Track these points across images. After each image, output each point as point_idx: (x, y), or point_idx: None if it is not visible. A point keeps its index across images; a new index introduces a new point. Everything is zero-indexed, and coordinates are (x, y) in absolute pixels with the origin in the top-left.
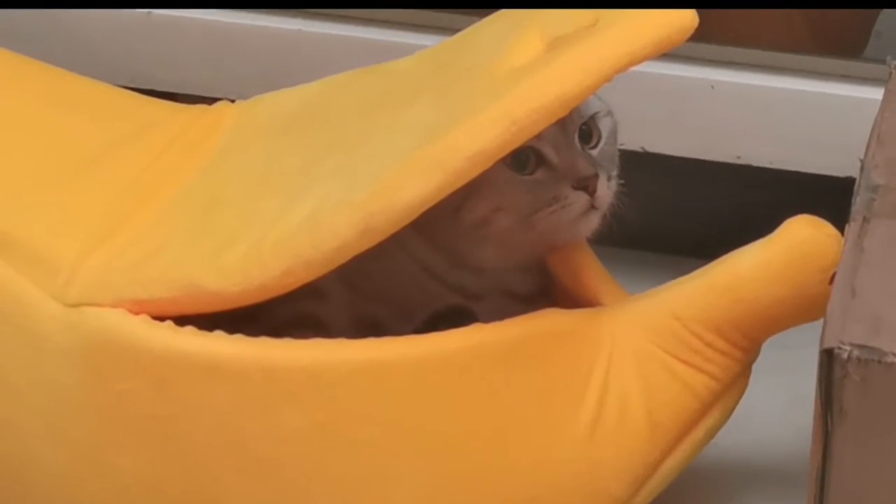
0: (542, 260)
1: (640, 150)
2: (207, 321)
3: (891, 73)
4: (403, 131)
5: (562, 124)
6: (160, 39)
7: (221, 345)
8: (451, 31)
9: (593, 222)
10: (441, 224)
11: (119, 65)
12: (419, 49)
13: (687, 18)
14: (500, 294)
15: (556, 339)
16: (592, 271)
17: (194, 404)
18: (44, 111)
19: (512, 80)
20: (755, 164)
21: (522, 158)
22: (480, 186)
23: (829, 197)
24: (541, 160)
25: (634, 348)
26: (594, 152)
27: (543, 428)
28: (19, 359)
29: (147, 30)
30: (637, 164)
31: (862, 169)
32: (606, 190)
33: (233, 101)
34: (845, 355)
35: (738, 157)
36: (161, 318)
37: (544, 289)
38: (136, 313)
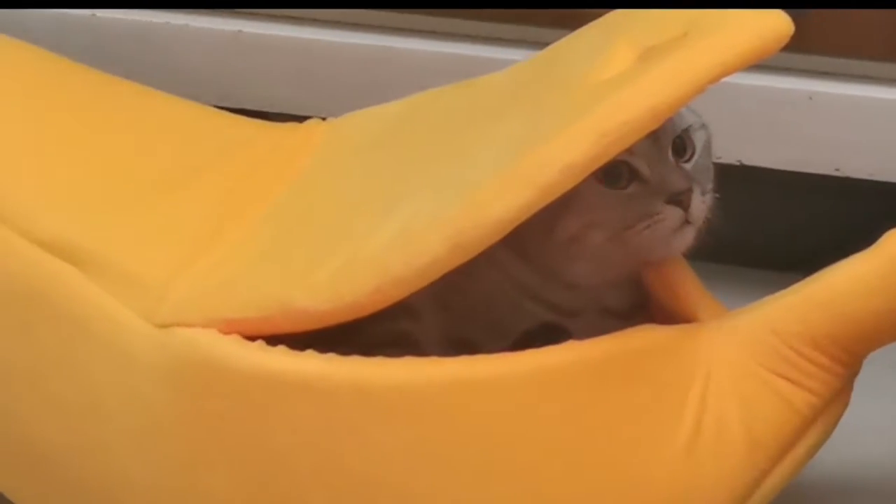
0: (636, 275)
1: (737, 163)
2: (298, 341)
3: None
4: (494, 146)
5: (654, 138)
6: (250, 58)
7: (313, 364)
8: (540, 45)
9: (688, 237)
10: (533, 240)
11: (209, 84)
12: (507, 64)
13: (782, 25)
14: (595, 311)
15: (653, 355)
16: (689, 286)
17: (285, 423)
18: (134, 130)
19: (602, 92)
20: (854, 175)
21: (615, 173)
22: (572, 202)
23: None
24: (633, 175)
25: (732, 364)
26: (688, 166)
27: (640, 446)
28: (110, 379)
29: (237, 49)
30: (734, 178)
31: None
32: (701, 204)
33: (323, 118)
34: None
35: (837, 170)
36: (252, 338)
37: (640, 305)
38: (227, 333)
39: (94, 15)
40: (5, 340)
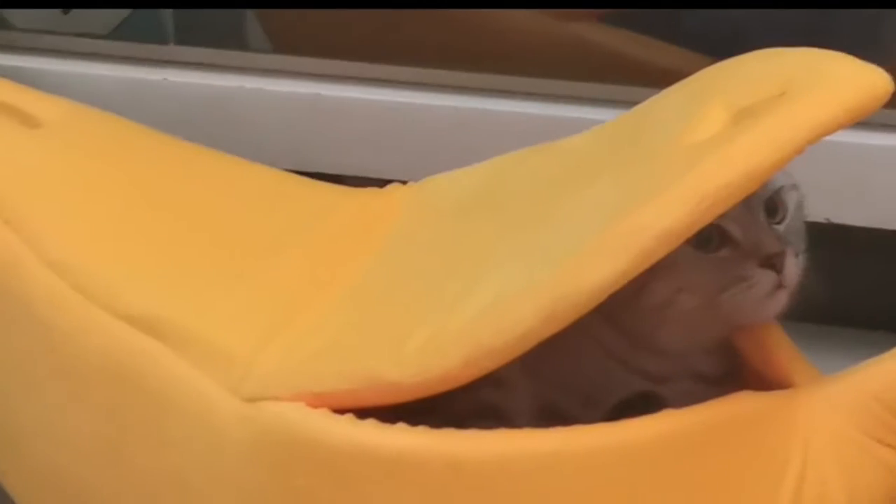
0: (728, 340)
1: (825, 221)
2: (386, 413)
3: None
4: (585, 211)
5: (746, 200)
6: (326, 123)
7: (404, 437)
8: (623, 104)
9: (781, 301)
10: (623, 306)
11: (285, 149)
12: (588, 123)
13: (880, 84)
14: (688, 377)
15: (750, 424)
16: (782, 350)
17: (378, 500)
18: (216, 200)
19: (699, 154)
20: None
21: (706, 236)
22: (662, 267)
23: None
24: (725, 238)
25: (832, 431)
26: (780, 228)
27: None
28: (197, 456)
29: (312, 113)
30: (822, 236)
31: None
32: (794, 267)
33: (404, 182)
34: None
35: None
36: (340, 411)
37: (733, 370)
38: (315, 407)
39: (165, 79)
40: (91, 417)
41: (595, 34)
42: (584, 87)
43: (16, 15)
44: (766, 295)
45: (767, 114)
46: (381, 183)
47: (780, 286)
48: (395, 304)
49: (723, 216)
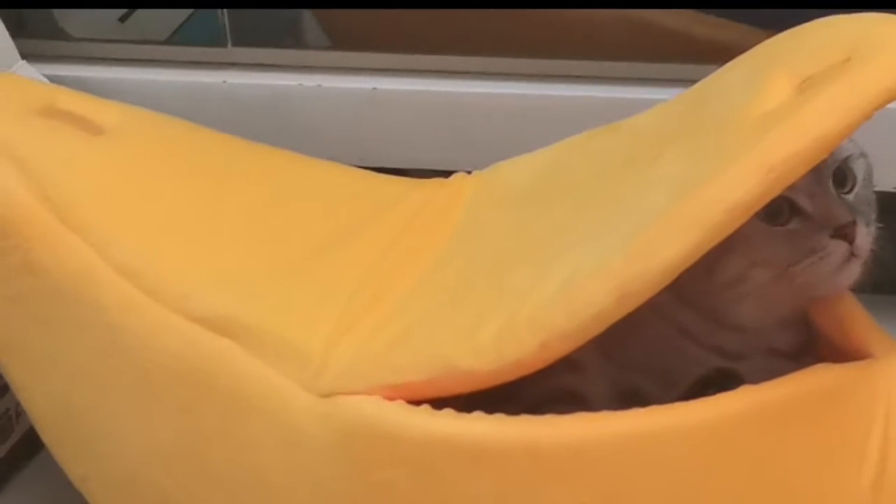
0: (803, 313)
1: (894, 189)
2: (462, 403)
3: None
4: (653, 189)
5: (815, 170)
6: (386, 117)
7: (482, 426)
8: (685, 82)
9: (854, 271)
10: (695, 284)
11: (346, 145)
12: (648, 104)
13: None
14: (763, 352)
15: (829, 396)
16: (858, 321)
17: (457, 490)
18: (281, 196)
19: (766, 125)
20: None
21: (775, 209)
22: (733, 242)
23: None
24: (795, 210)
25: None
26: (849, 197)
27: (823, 492)
28: (276, 455)
29: (372, 107)
30: (893, 206)
31: None
32: (866, 237)
33: (468, 172)
34: None
35: None
36: (416, 402)
37: (808, 343)
38: (391, 399)
39: (224, 82)
40: (168, 420)
41: (654, 13)
42: (643, 67)
43: (73, 25)
44: (839, 266)
45: (833, 81)
46: (445, 174)
47: (851, 256)
48: (467, 292)
49: (792, 188)
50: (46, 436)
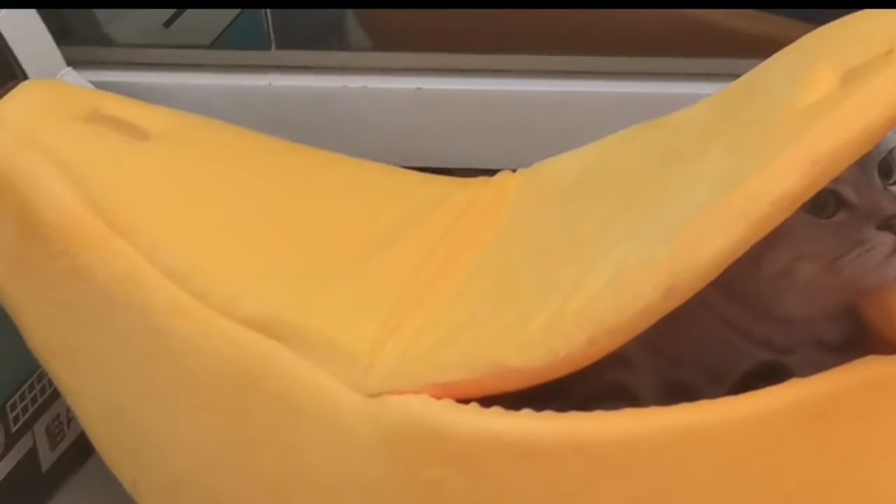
0: (851, 306)
1: None
2: (511, 401)
3: None
4: (699, 183)
5: (860, 162)
6: (430, 116)
7: (531, 423)
8: (729, 77)
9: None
10: (742, 277)
11: (392, 145)
12: (694, 99)
13: None
14: (811, 345)
15: (879, 389)
16: None
17: (508, 488)
18: (326, 198)
19: (810, 117)
20: None
21: (821, 202)
22: (780, 235)
23: None
24: (841, 202)
25: None
26: (895, 189)
27: (874, 485)
28: (325, 456)
29: (417, 107)
30: None
31: None
32: None
33: (513, 170)
34: None
35: None
36: (464, 401)
37: (858, 336)
38: (439, 398)
39: (270, 84)
40: (216, 423)
41: (700, 11)
42: (686, 63)
43: (118, 31)
44: (886, 257)
45: (877, 72)
46: (490, 173)
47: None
48: (513, 289)
49: (837, 180)
50: (96, 440)
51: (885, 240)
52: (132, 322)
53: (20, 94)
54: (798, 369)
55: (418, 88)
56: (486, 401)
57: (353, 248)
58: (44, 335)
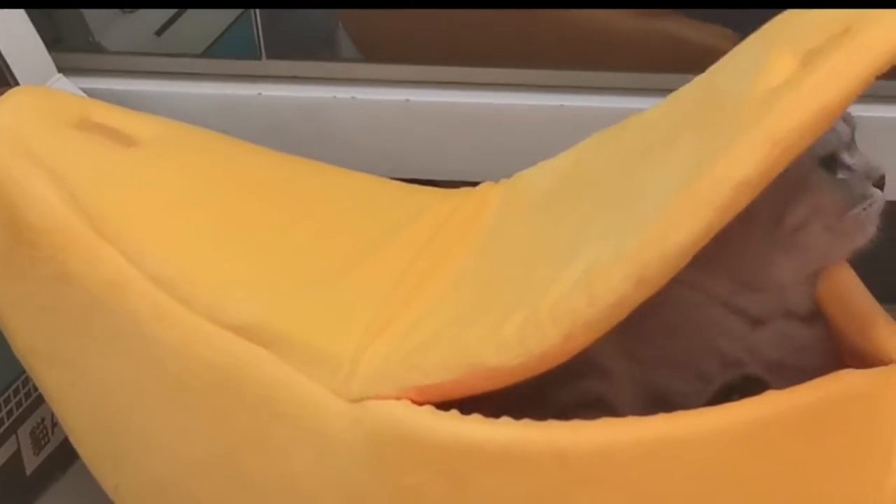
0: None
1: None
2: (491, 408)
3: None
4: (668, 175)
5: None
6: (418, 127)
7: (509, 430)
8: None
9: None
10: (744, 242)
11: (380, 155)
12: None
13: None
14: (782, 315)
15: (853, 402)
16: (880, 327)
17: (487, 494)
18: (311, 207)
19: (771, 100)
20: None
21: (830, 162)
22: (798, 189)
23: None
24: (839, 163)
25: None
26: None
27: (848, 497)
28: (308, 461)
29: (405, 118)
30: None
31: None
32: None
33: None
34: None
35: None
36: (445, 405)
37: (818, 309)
38: (420, 401)
39: (259, 94)
40: (200, 428)
41: (682, 30)
42: (667, 78)
43: (109, 39)
44: (877, 213)
45: (832, 51)
46: (476, 185)
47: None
48: (492, 294)
49: (840, 139)
50: (79, 445)
51: (880, 197)
52: (118, 326)
53: (9, 100)
54: (769, 345)
55: (407, 100)
56: (467, 408)
57: (337, 256)
58: (29, 339)
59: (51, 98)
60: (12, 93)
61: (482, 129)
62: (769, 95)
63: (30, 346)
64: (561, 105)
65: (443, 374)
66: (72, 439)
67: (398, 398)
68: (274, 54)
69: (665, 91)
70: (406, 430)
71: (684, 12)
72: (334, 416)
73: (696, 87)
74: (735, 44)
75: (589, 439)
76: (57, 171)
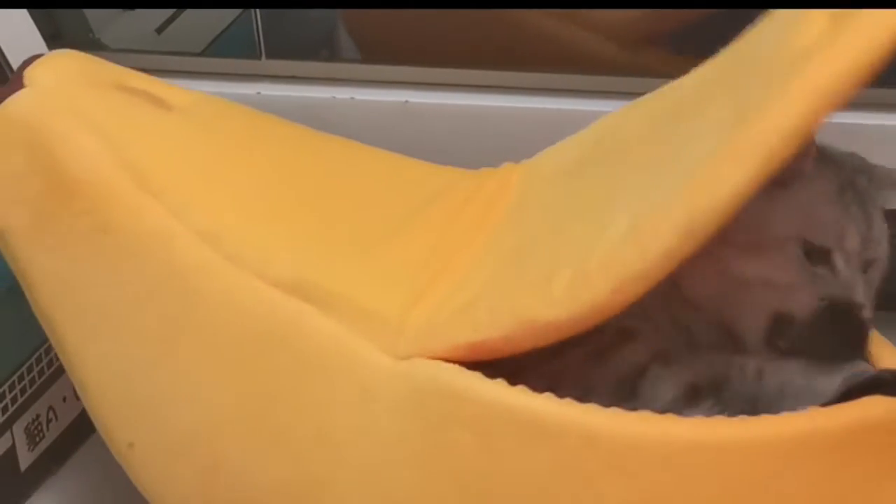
0: None
1: None
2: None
3: None
4: (706, 133)
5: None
6: (418, 128)
7: (546, 405)
8: None
9: None
10: None
11: None
12: None
13: None
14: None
15: (892, 429)
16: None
17: (514, 461)
18: (345, 176)
19: (808, 53)
20: None
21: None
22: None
23: None
24: (828, 262)
25: None
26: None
27: None
28: (349, 414)
29: (404, 120)
30: None
31: None
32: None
33: None
34: None
35: None
36: (496, 365)
37: None
38: (471, 359)
39: (259, 93)
40: (235, 381)
41: (663, 64)
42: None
43: (110, 36)
44: None
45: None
46: None
47: None
48: (532, 252)
49: (841, 243)
50: (94, 401)
51: None
52: (156, 277)
53: (50, 60)
54: None
55: (406, 101)
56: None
57: (373, 224)
58: (56, 293)
59: (90, 61)
60: (52, 55)
61: (481, 130)
62: (807, 48)
63: (55, 300)
64: (559, 108)
65: (492, 331)
66: (87, 398)
67: (448, 356)
68: (273, 54)
69: None
70: (452, 388)
71: (669, 47)
72: (380, 371)
73: (724, 58)
74: None
75: (623, 428)
76: (101, 126)
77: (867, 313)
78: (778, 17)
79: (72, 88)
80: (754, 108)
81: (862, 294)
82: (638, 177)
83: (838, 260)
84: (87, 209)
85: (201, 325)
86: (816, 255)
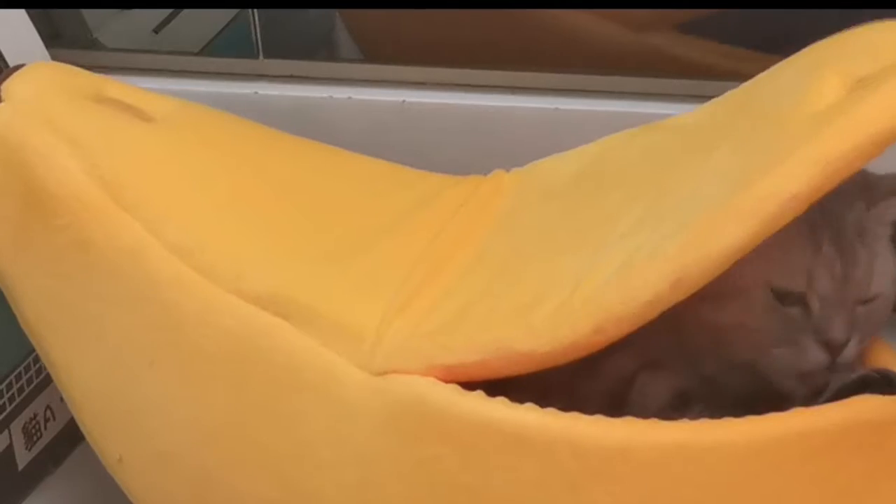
0: None
1: None
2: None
3: None
4: (707, 180)
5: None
6: (415, 129)
7: (531, 416)
8: (704, 98)
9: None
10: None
11: (376, 156)
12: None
13: None
14: None
15: (879, 427)
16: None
17: (500, 475)
18: (326, 184)
19: (821, 121)
20: None
21: (785, 292)
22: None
23: None
24: (801, 302)
25: None
26: (863, 309)
27: None
28: (324, 429)
29: (402, 119)
30: None
31: None
32: (852, 351)
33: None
34: None
35: None
36: (470, 386)
37: None
38: (446, 380)
39: (256, 93)
40: (215, 397)
41: (672, 45)
42: (670, 83)
43: (108, 35)
44: (811, 367)
45: (887, 80)
46: None
47: (829, 363)
48: (519, 276)
49: (811, 284)
50: (84, 415)
51: (817, 357)
52: (136, 293)
53: (28, 74)
54: None
55: (403, 101)
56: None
57: (353, 235)
58: (40, 308)
59: (68, 73)
60: (31, 67)
61: (478, 130)
62: (819, 116)
63: (41, 316)
64: (556, 108)
65: (469, 355)
66: (75, 411)
67: (423, 375)
68: (271, 53)
69: (661, 95)
70: (430, 403)
71: (678, 28)
72: (356, 387)
73: (731, 100)
74: (726, 57)
75: (608, 435)
76: (77, 141)
77: (851, 348)
78: (794, 69)
79: (49, 103)
80: (761, 168)
81: (841, 331)
82: (634, 210)
83: (812, 301)
84: (65, 225)
85: (178, 340)
86: (788, 298)
